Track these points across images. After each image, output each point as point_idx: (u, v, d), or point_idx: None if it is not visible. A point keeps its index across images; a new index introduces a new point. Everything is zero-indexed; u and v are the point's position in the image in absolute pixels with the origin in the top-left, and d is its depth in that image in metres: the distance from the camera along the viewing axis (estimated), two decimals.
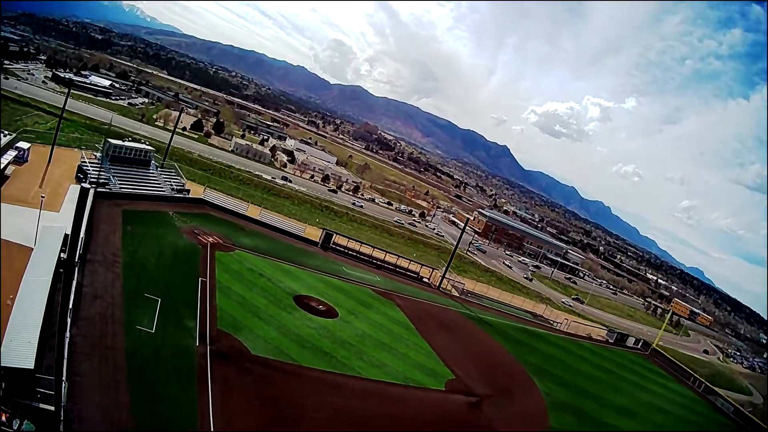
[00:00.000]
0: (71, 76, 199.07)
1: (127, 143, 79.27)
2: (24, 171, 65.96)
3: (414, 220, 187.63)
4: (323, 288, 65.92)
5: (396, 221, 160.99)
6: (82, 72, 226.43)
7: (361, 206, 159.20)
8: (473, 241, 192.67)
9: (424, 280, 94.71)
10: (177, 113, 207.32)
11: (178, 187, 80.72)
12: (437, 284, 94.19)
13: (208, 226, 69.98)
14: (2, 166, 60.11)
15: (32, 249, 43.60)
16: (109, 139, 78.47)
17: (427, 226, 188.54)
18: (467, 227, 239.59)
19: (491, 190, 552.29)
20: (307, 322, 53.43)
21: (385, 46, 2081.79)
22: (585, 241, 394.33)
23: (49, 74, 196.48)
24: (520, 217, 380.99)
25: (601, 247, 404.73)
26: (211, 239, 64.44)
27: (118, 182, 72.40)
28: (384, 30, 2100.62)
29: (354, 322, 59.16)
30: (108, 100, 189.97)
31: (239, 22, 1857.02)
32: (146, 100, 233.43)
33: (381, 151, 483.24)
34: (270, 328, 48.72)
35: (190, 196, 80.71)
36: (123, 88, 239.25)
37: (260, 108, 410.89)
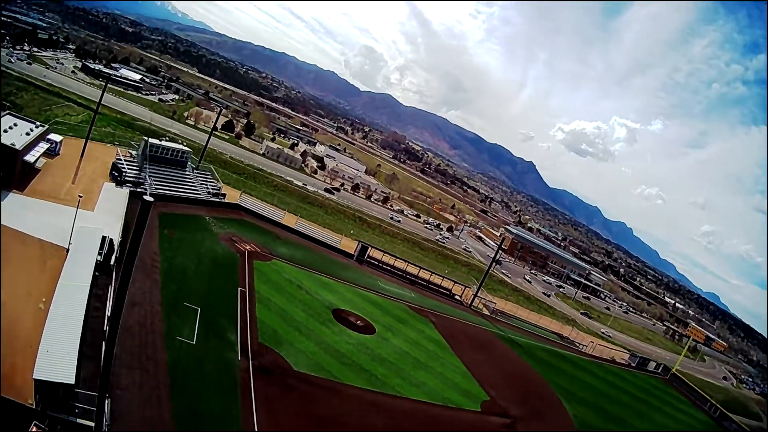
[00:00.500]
0: (101, 67, 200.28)
1: (165, 143, 78.56)
2: (55, 165, 64.90)
3: (441, 234, 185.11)
4: (360, 302, 64.90)
5: (426, 236, 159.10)
6: (113, 64, 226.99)
7: (399, 221, 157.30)
8: (500, 259, 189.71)
9: (456, 297, 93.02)
10: (208, 112, 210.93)
11: (215, 191, 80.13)
12: (469, 302, 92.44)
13: (245, 234, 69.15)
14: (35, 159, 59.34)
15: (67, 249, 43.15)
16: (147, 138, 77.77)
17: (456, 239, 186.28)
18: (493, 243, 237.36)
19: (516, 206, 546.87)
20: (345, 338, 52.66)
21: (416, 56, 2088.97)
22: (606, 263, 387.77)
23: (79, 64, 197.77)
24: (543, 234, 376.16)
25: (621, 269, 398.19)
26: (248, 247, 63.59)
27: (154, 183, 71.88)
28: (416, 39, 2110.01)
29: (391, 339, 58.40)
30: (138, 94, 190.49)
31: (271, 23, 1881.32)
32: (176, 97, 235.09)
33: (408, 161, 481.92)
34: (310, 342, 47.85)
35: (226, 201, 79.95)
36: (153, 83, 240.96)
37: (290, 111, 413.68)
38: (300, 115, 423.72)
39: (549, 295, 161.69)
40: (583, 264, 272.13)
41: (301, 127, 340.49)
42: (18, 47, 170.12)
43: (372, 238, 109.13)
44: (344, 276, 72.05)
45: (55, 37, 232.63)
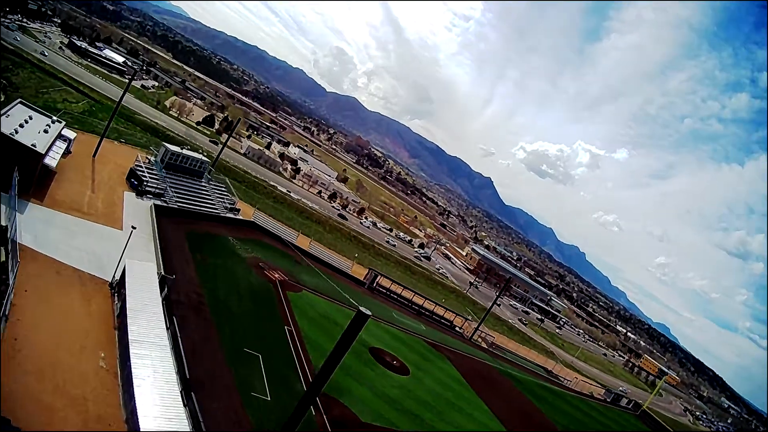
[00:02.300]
0: (87, 46, 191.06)
1: (185, 152, 74.63)
2: (69, 166, 60.53)
3: (417, 251, 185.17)
4: (388, 339, 64.60)
5: (413, 259, 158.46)
6: (96, 44, 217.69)
7: (394, 245, 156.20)
8: (476, 283, 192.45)
9: (457, 329, 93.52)
10: (190, 104, 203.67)
11: (230, 206, 76.95)
12: (470, 336, 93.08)
13: (268, 258, 66.78)
14: (55, 162, 54.80)
15: (110, 284, 40.48)
16: (167, 145, 74.05)
17: (427, 259, 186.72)
18: (461, 262, 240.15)
19: (471, 221, 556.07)
20: (389, 381, 52.63)
21: (386, 62, 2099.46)
22: (560, 286, 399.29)
23: (65, 40, 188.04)
24: (499, 253, 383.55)
25: (574, 294, 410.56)
26: (277, 275, 61.26)
27: (175, 195, 68.39)
28: (387, 45, 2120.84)
29: (424, 379, 58.93)
30: (121, 78, 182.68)
31: (246, 14, 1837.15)
32: (156, 84, 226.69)
33: (371, 168, 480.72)
34: (364, 388, 47.45)
35: (242, 217, 76.90)
36: (135, 67, 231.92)
37: (259, 107, 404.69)
38: (269, 112, 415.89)
39: (525, 324, 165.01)
40: (545, 290, 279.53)
41: (270, 125, 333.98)
42: (9, 17, 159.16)
43: (370, 260, 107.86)
44: (368, 309, 70.48)
45: (43, 9, 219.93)
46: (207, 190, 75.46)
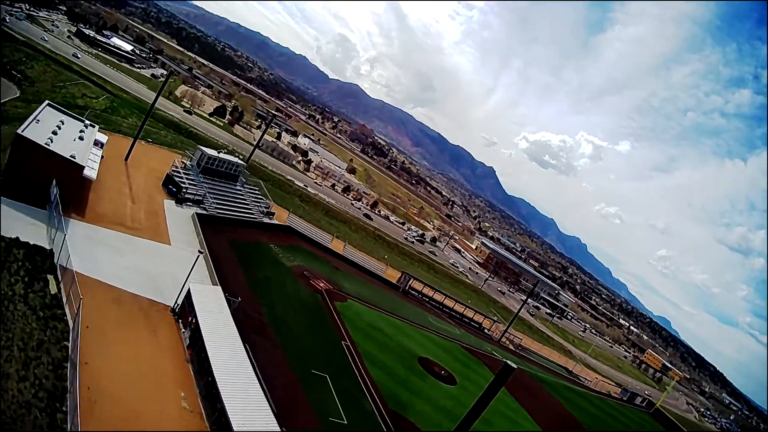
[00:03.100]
0: (95, 35, 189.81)
1: (222, 155, 73.57)
2: (104, 172, 56.37)
3: (431, 245, 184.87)
4: (431, 346, 64.71)
5: (438, 259, 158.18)
6: (104, 32, 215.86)
7: (412, 242, 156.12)
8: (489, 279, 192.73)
9: (486, 331, 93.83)
10: (201, 94, 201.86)
11: (266, 210, 76.44)
12: (498, 338, 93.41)
13: (310, 265, 66.61)
14: (95, 174, 51.32)
15: (172, 309, 39.15)
16: (203, 148, 72.85)
17: (440, 251, 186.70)
18: (467, 253, 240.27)
19: (474, 211, 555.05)
20: (442, 392, 52.96)
21: (389, 49, 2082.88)
22: (564, 279, 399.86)
23: (72, 29, 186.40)
24: (504, 245, 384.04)
25: (578, 286, 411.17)
26: (322, 284, 61.03)
27: (213, 201, 67.78)
28: (390, 33, 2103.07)
29: (469, 387, 58.82)
30: (131, 67, 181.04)
31: (249, 1, 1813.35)
32: (164, 72, 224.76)
33: (375, 157, 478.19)
34: (422, 401, 47.74)
35: (277, 221, 76.56)
36: (143, 55, 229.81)
37: (264, 94, 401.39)
38: (275, 100, 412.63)
39: (532, 314, 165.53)
40: (553, 284, 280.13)
41: (276, 113, 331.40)
42: (17, 5, 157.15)
43: (394, 260, 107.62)
44: (405, 314, 71.48)
45: None
46: (242, 194, 74.77)
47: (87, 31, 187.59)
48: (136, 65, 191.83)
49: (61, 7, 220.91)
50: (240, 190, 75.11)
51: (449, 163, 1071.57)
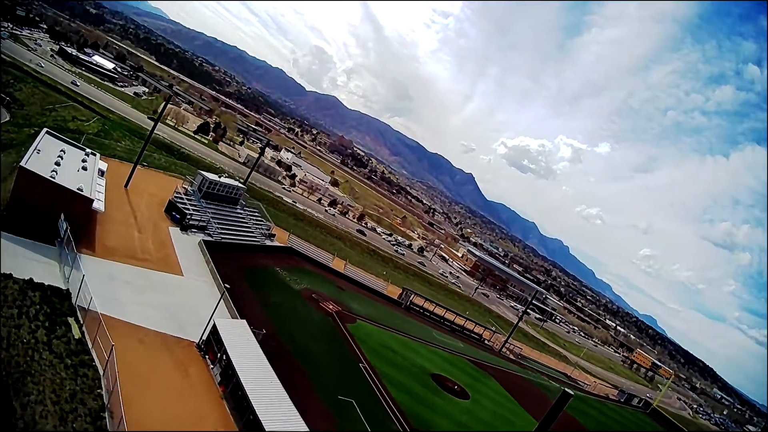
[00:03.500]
0: (78, 53, 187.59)
1: (223, 180, 73.52)
2: (107, 202, 54.13)
3: (419, 255, 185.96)
4: (439, 362, 65.79)
5: (431, 272, 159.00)
6: (85, 50, 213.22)
7: (403, 254, 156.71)
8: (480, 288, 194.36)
9: (486, 342, 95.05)
10: (185, 112, 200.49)
11: (267, 232, 76.64)
12: (499, 348, 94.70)
13: (316, 286, 67.04)
14: (102, 206, 50.07)
15: (197, 345, 38.80)
16: (204, 173, 72.46)
17: (428, 261, 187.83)
18: (454, 263, 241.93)
19: (455, 218, 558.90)
20: (457, 407, 53.92)
21: (365, 60, 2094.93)
22: (548, 282, 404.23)
23: (55, 47, 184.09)
24: (487, 250, 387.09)
25: (562, 289, 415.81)
26: (331, 306, 61.58)
27: (217, 226, 67.78)
28: (366, 43, 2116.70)
29: (481, 401, 60.37)
30: (113, 85, 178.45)
31: (225, 15, 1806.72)
32: (146, 89, 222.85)
33: (355, 168, 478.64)
34: (442, 419, 48.81)
35: (279, 243, 76.76)
36: (124, 73, 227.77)
37: (243, 109, 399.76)
38: (254, 114, 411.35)
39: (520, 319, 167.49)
40: (540, 288, 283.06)
41: (256, 127, 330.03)
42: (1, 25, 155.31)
43: (391, 274, 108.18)
44: (411, 331, 72.57)
45: (30, 15, 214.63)
46: (243, 217, 74.83)
47: (69, 50, 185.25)
48: (118, 83, 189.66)
49: (42, 25, 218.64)
50: (241, 213, 75.14)
51: (428, 171, 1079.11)
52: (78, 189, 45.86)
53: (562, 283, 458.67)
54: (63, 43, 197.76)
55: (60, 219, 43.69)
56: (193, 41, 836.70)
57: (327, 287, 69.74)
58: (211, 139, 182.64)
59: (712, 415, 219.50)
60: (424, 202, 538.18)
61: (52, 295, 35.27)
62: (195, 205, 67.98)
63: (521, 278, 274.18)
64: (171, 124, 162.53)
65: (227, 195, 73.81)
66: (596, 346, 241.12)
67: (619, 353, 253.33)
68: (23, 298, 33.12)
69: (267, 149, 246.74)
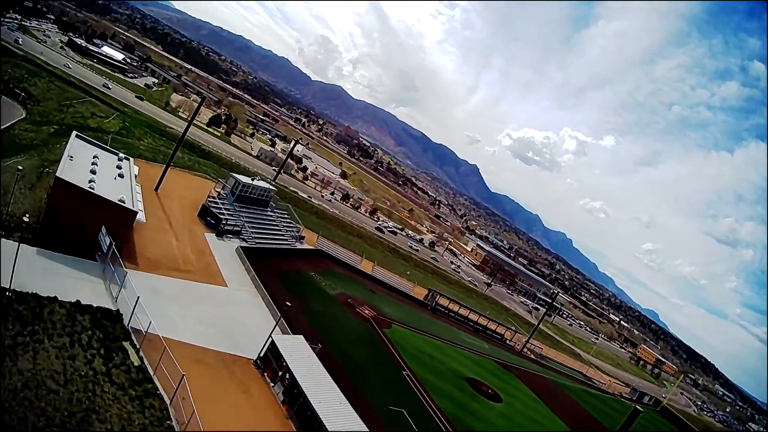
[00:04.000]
0: (87, 45, 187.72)
1: (255, 183, 73.72)
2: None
3: (430, 250, 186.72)
4: (471, 365, 67.15)
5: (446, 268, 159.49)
6: (94, 40, 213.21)
7: (417, 250, 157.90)
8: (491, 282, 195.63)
9: (508, 342, 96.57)
10: (194, 102, 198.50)
11: (297, 235, 77.46)
12: (520, 348, 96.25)
13: (350, 290, 68.08)
14: (144, 217, 47.65)
15: (255, 362, 38.21)
16: (237, 176, 72.61)
17: (440, 255, 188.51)
18: (464, 258, 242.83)
19: (460, 210, 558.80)
20: (494, 411, 55.46)
21: (371, 50, 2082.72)
22: (553, 276, 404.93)
23: (63, 38, 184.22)
24: (492, 243, 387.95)
25: (566, 282, 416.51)
26: (367, 311, 62.60)
27: (251, 230, 68.49)
28: (372, 33, 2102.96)
29: (514, 404, 61.99)
30: (124, 77, 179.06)
31: (231, 4, 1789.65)
32: (156, 81, 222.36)
33: (362, 159, 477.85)
34: (482, 423, 50.40)
35: (308, 246, 77.66)
36: (134, 64, 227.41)
37: (251, 99, 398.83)
38: (261, 104, 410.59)
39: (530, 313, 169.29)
40: (547, 283, 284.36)
41: (264, 118, 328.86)
42: (7, 16, 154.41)
43: (413, 274, 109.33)
44: (441, 334, 73.85)
45: (38, 6, 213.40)
46: (274, 220, 75.51)
47: (78, 41, 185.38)
48: (129, 75, 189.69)
49: (49, 16, 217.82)
50: (271, 216, 75.71)
51: (433, 162, 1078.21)
52: (120, 200, 44.09)
53: (566, 276, 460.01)
54: (71, 34, 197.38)
55: (101, 232, 41.72)
56: (199, 30, 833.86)
57: (359, 291, 70.74)
58: (223, 131, 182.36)
59: (716, 412, 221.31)
60: (430, 193, 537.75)
61: (102, 318, 33.60)
62: (228, 209, 68.16)
63: (530, 273, 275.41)
64: (184, 116, 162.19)
65: (259, 197, 74.13)
66: (600, 340, 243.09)
67: (624, 349, 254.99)
68: (72, 323, 31.27)
69: (277, 140, 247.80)
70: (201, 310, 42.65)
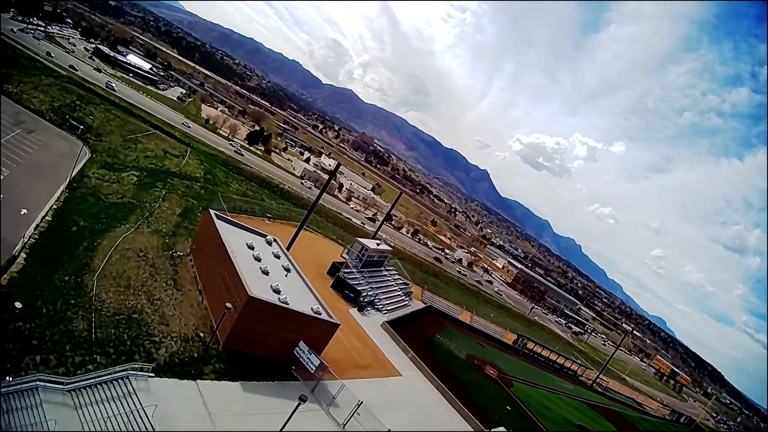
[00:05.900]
0: (114, 54, 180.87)
1: (380, 247, 79.04)
2: None
3: (469, 270, 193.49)
4: (571, 410, 76.44)
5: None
6: (118, 48, 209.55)
7: (465, 275, 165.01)
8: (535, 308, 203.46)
9: (581, 379, 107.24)
10: (238, 122, 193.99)
11: (406, 290, 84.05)
12: (591, 383, 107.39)
13: (469, 349, 76.74)
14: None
15: None
16: (362, 240, 76.57)
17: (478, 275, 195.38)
18: (495, 274, 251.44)
19: (473, 216, 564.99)
20: None
21: (382, 53, 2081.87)
22: (569, 286, 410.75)
23: (89, 47, 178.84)
24: (509, 252, 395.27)
25: (580, 291, 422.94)
26: (492, 371, 71.64)
27: (382, 297, 72.84)
28: (383, 37, 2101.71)
29: None
30: (156, 89, 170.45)
31: (241, 6, 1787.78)
32: (184, 91, 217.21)
33: (379, 166, 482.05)
34: None
35: (419, 303, 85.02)
36: (161, 73, 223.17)
37: (269, 105, 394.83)
38: (280, 111, 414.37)
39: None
40: (573, 299, 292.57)
41: (285, 126, 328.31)
42: (30, 22, 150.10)
43: (481, 308, 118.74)
44: (545, 383, 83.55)
45: (58, 11, 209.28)
46: (389, 278, 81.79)
47: (104, 49, 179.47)
48: (160, 87, 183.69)
49: (68, 20, 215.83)
50: (386, 275, 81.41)
51: (443, 166, 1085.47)
52: (315, 312, 41.66)
53: (579, 284, 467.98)
54: (94, 41, 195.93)
55: (298, 348, 39.48)
56: (209, 33, 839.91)
57: (472, 346, 79.98)
58: (263, 150, 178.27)
59: (730, 424, 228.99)
60: (445, 201, 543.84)
61: None
62: (358, 278, 71.09)
63: (558, 290, 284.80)
64: (224, 134, 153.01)
65: (378, 259, 79.39)
66: (604, 346, 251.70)
67: (642, 360, 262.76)
68: None
69: (305, 152, 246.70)
70: (404, 413, 44.12)
